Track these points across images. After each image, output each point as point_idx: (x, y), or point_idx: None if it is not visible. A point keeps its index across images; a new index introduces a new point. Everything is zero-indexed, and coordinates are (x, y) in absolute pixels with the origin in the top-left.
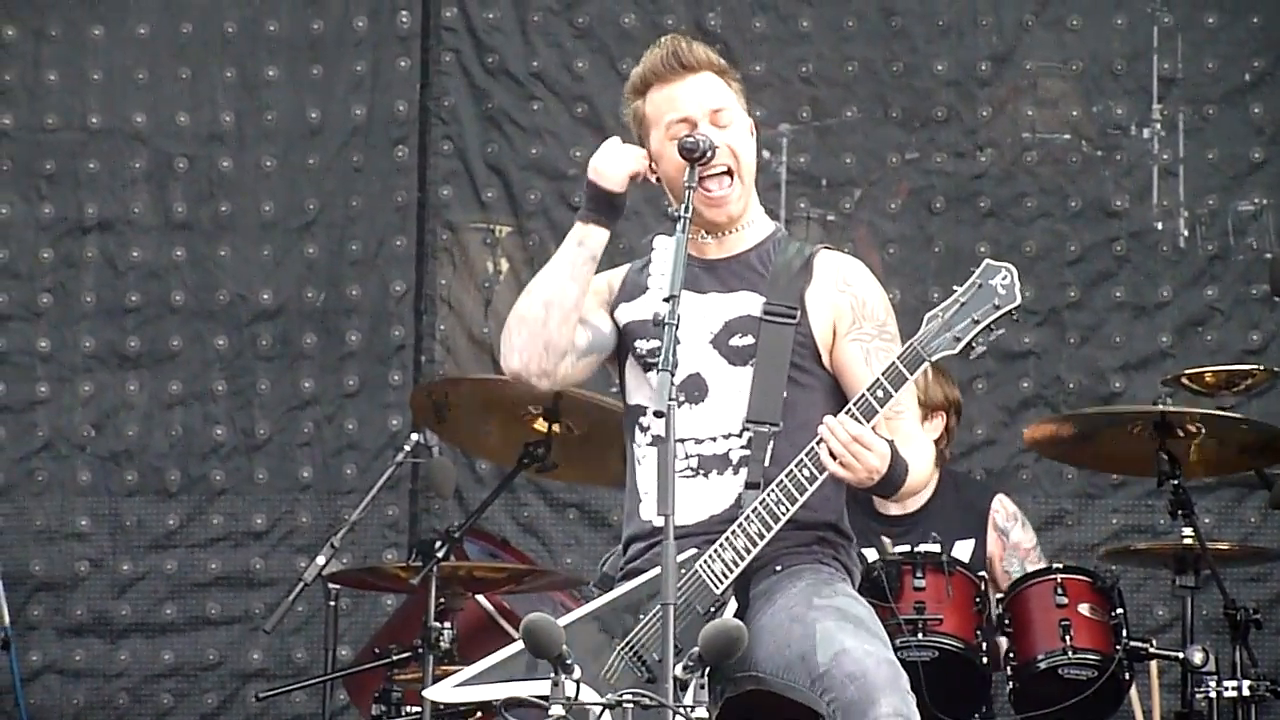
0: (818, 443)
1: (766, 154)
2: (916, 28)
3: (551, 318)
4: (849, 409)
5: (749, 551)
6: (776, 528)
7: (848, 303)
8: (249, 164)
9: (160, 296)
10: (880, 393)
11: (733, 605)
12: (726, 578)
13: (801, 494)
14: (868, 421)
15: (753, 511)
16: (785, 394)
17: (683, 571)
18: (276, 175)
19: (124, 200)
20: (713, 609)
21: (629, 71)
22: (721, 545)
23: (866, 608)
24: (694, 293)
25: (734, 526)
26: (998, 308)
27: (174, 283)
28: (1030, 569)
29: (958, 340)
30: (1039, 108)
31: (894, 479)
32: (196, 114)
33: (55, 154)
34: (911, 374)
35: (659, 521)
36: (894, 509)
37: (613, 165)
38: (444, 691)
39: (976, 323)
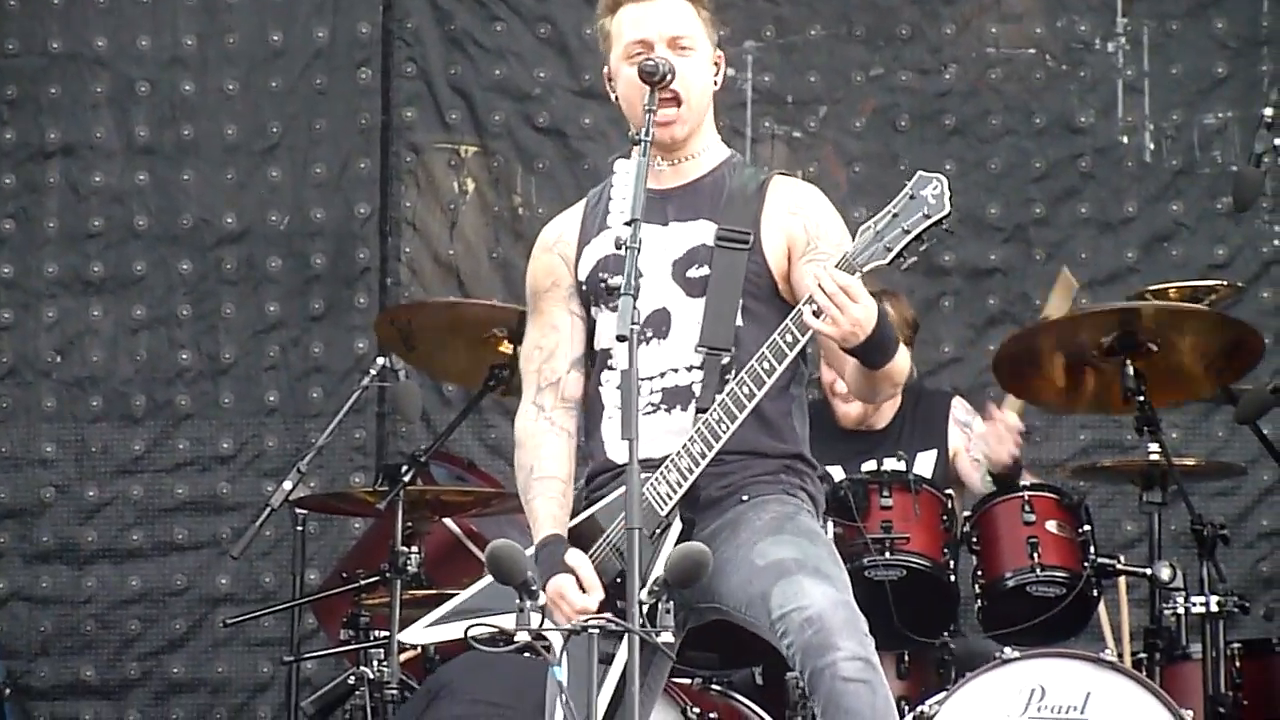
0: (804, 303)
1: (731, 71)
2: None
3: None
4: (798, 309)
5: (691, 472)
6: (717, 446)
7: (801, 225)
8: (211, 88)
9: (123, 221)
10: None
11: (677, 526)
12: (670, 499)
13: (740, 411)
14: (803, 337)
15: (695, 432)
16: (739, 321)
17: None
18: (239, 99)
19: (86, 125)
20: (657, 530)
21: None
22: (666, 467)
23: (828, 545)
24: (655, 224)
25: (678, 448)
26: (928, 217)
27: (137, 207)
28: None
29: (889, 250)
30: (1003, 24)
31: (884, 339)
32: (158, 38)
33: (16, 79)
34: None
35: (621, 458)
36: (859, 425)
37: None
38: (417, 633)
39: (907, 232)
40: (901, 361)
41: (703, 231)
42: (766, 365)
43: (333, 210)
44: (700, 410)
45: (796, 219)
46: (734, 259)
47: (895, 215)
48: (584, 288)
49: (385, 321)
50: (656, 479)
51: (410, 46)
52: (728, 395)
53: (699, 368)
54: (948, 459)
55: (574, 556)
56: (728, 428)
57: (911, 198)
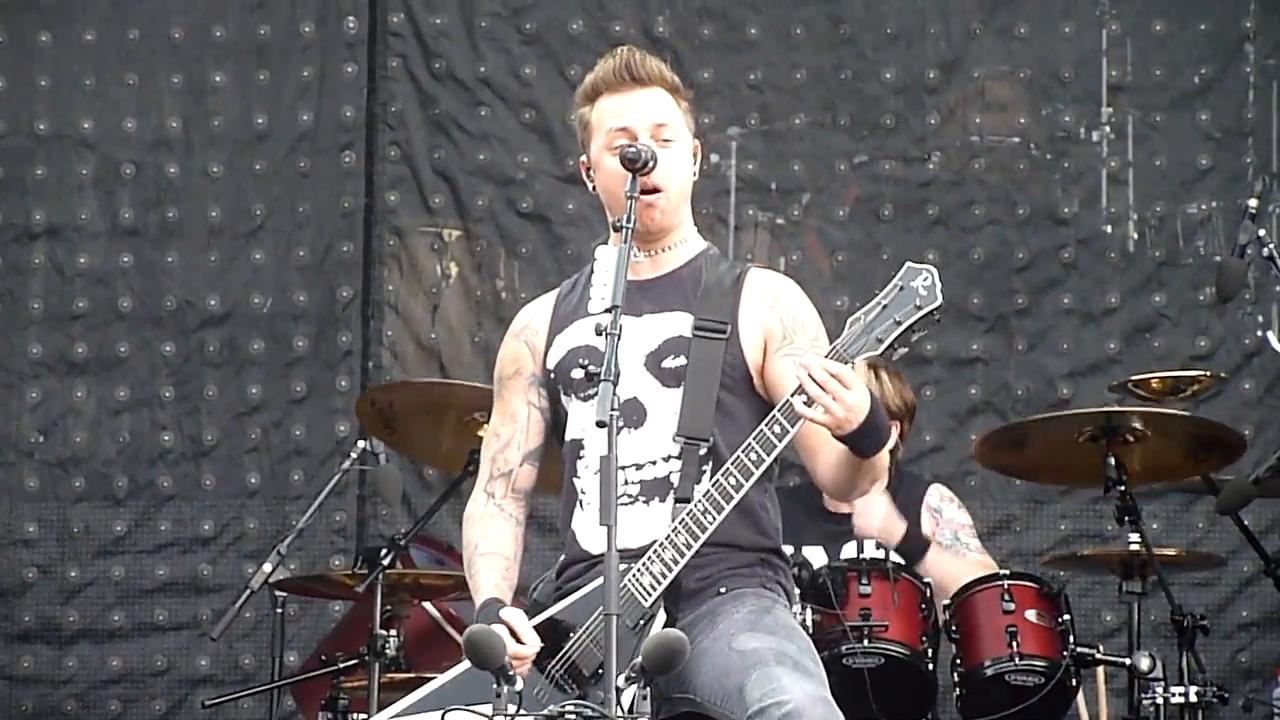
0: (794, 394)
1: (715, 158)
2: (865, 35)
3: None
4: (787, 400)
5: (676, 563)
6: (703, 537)
7: (778, 318)
8: (196, 170)
9: (107, 302)
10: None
11: (661, 618)
12: (654, 590)
13: (728, 502)
14: (793, 428)
15: (679, 523)
16: (717, 411)
17: None
18: (223, 181)
19: (71, 206)
20: (641, 621)
21: (576, 77)
22: (650, 558)
23: (805, 640)
24: (629, 315)
25: (661, 538)
26: (919, 308)
27: (121, 289)
28: (964, 539)
29: (880, 341)
30: (987, 114)
31: (877, 424)
32: (143, 120)
33: (3, 160)
34: None
35: (596, 549)
36: (843, 507)
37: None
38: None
39: (898, 324)
40: (884, 452)
41: (679, 322)
42: (754, 456)
43: (315, 293)
44: (680, 500)
45: (774, 312)
46: (711, 349)
47: (885, 306)
48: (553, 377)
49: (366, 402)
50: (639, 570)
51: (394, 130)
52: (713, 486)
53: (677, 458)
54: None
55: (509, 612)
56: (714, 519)
57: (901, 289)
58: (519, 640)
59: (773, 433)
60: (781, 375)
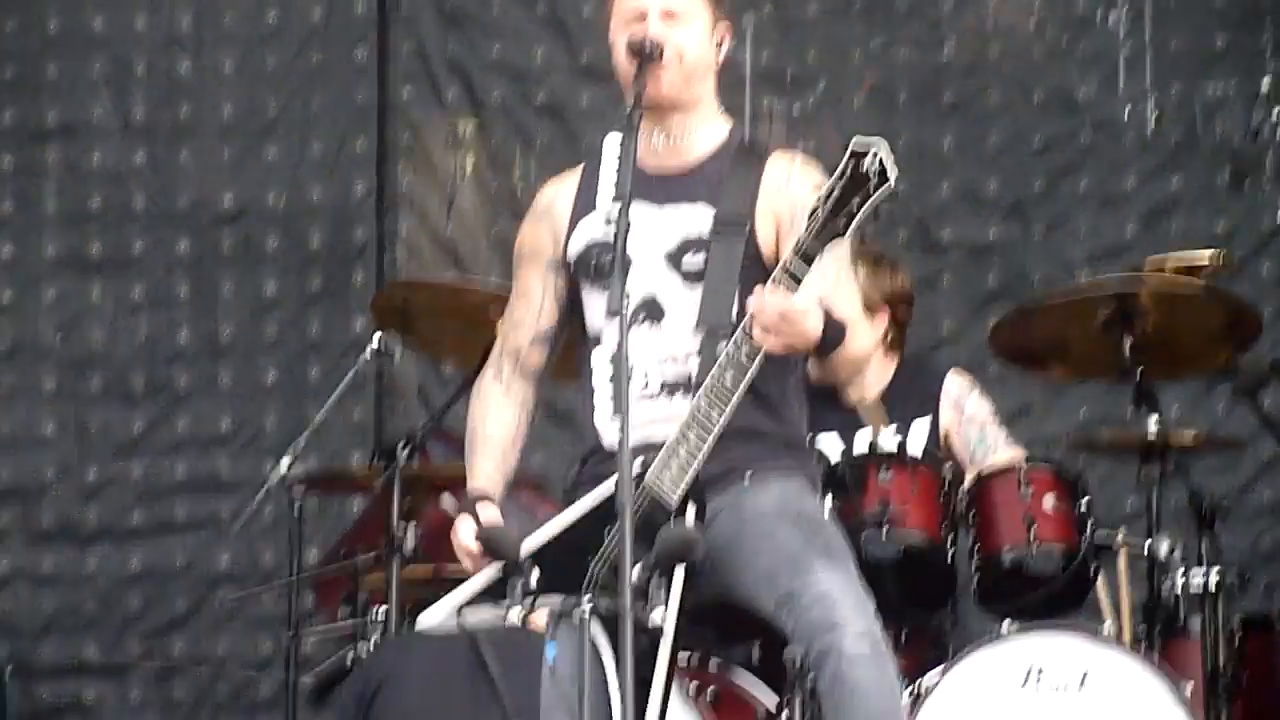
0: (748, 319)
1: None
2: None
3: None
4: (773, 280)
5: (693, 458)
6: (716, 430)
7: (786, 203)
8: (208, 67)
9: (121, 202)
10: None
11: (691, 512)
12: (677, 487)
13: (729, 398)
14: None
15: (690, 417)
16: (735, 303)
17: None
18: (235, 78)
19: (84, 105)
20: (670, 519)
21: None
22: (667, 454)
23: (833, 528)
24: (649, 204)
25: (675, 434)
26: (873, 189)
27: (135, 187)
28: (989, 437)
29: (843, 228)
30: None
31: (831, 340)
32: (154, 18)
33: (14, 60)
34: (809, 265)
35: (610, 440)
36: (853, 395)
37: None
38: (435, 616)
39: (856, 209)
40: (857, 345)
41: (700, 216)
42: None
43: (330, 189)
44: (696, 387)
45: (783, 197)
46: (732, 244)
47: (839, 192)
48: (572, 266)
49: (383, 299)
50: (659, 466)
51: (406, 24)
52: (713, 380)
53: (698, 354)
54: (939, 430)
55: (483, 507)
56: (720, 414)
57: (852, 169)
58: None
59: (742, 354)
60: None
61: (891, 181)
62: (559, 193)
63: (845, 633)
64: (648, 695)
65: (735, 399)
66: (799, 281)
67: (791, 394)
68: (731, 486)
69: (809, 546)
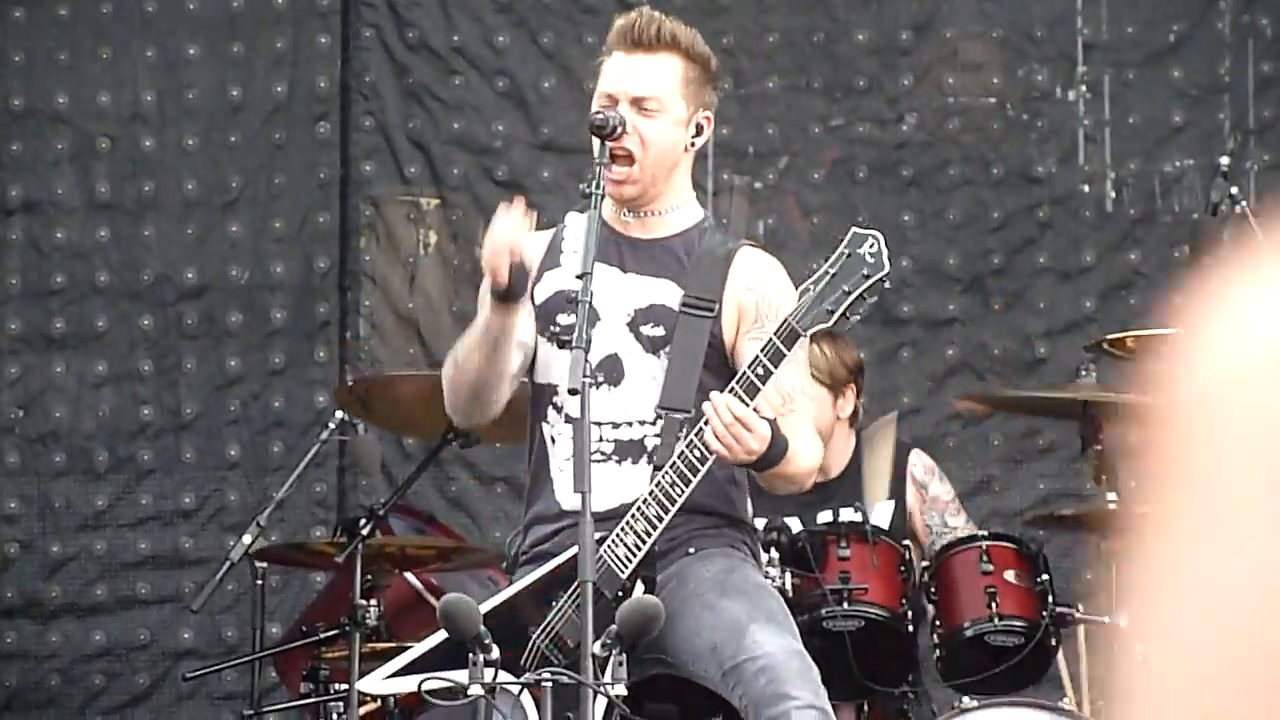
0: (704, 423)
1: None
2: None
3: (483, 391)
4: (731, 387)
5: (649, 535)
6: (674, 510)
7: (753, 301)
8: (171, 143)
9: (85, 277)
10: (760, 370)
11: (639, 589)
12: (630, 562)
13: (694, 474)
14: (750, 400)
15: (649, 495)
16: (698, 383)
17: None
18: (199, 154)
19: (47, 181)
20: (619, 594)
21: (549, 45)
22: (623, 529)
23: (777, 598)
24: (615, 269)
25: (633, 509)
26: (867, 277)
27: (98, 263)
28: (950, 521)
29: (830, 313)
30: (961, 74)
31: (771, 458)
32: (118, 94)
33: None
34: (788, 349)
35: (567, 503)
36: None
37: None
38: (375, 682)
39: (848, 294)
40: (805, 464)
41: (664, 291)
42: (688, 461)
43: (292, 265)
44: (658, 468)
45: (751, 295)
46: (698, 325)
47: (833, 276)
48: (535, 314)
49: (344, 393)
50: (614, 541)
51: (369, 100)
52: (679, 459)
53: (650, 423)
54: (905, 511)
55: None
56: (682, 491)
57: (848, 256)
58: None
59: (694, 456)
60: (743, 356)
61: (886, 271)
62: (532, 241)
63: (792, 705)
64: None
65: (689, 489)
66: (759, 389)
67: (739, 478)
68: (676, 559)
69: (753, 617)
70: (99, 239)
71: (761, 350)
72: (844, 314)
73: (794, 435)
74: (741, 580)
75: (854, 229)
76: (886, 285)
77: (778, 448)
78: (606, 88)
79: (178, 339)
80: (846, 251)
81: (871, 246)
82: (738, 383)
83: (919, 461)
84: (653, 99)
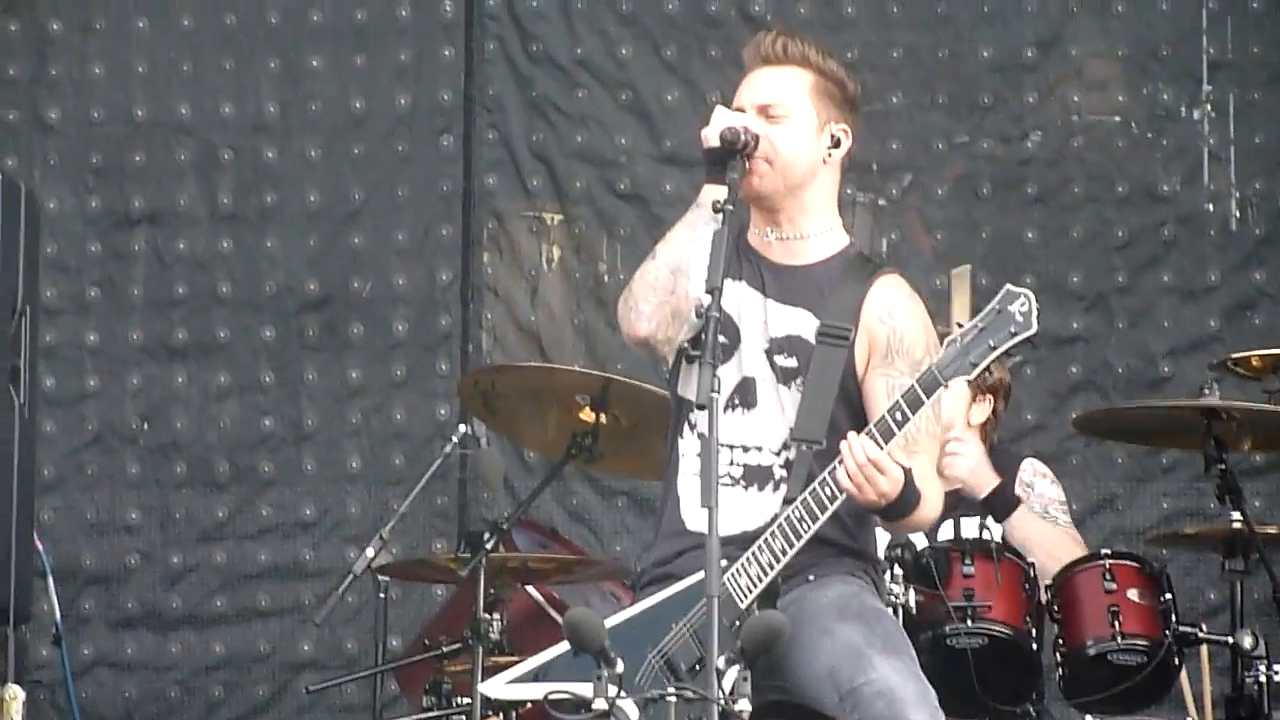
0: (838, 462)
1: None
2: (961, 14)
3: (679, 284)
4: (868, 430)
5: (773, 567)
6: (799, 544)
7: (885, 335)
8: (294, 154)
9: (207, 288)
10: (899, 415)
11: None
12: (752, 591)
13: (823, 511)
14: (885, 443)
15: (777, 527)
16: (831, 414)
17: None
18: (321, 165)
19: (170, 192)
20: (738, 622)
21: (672, 57)
22: (748, 559)
23: (895, 623)
24: (757, 292)
25: (760, 541)
26: (1014, 334)
27: (220, 274)
28: (1052, 511)
29: (974, 365)
30: (1086, 92)
31: (901, 507)
32: (241, 105)
33: (102, 147)
34: (928, 398)
35: (695, 525)
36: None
37: (710, 126)
38: (498, 687)
39: (993, 348)
40: (928, 512)
41: (801, 322)
42: (826, 492)
43: (414, 276)
44: (788, 500)
45: (883, 327)
46: (834, 355)
47: (982, 330)
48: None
49: (469, 383)
50: (738, 570)
51: (491, 113)
52: (810, 495)
53: (781, 452)
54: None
55: None
56: (809, 527)
57: (999, 312)
58: None
59: (824, 493)
60: (872, 393)
61: (1034, 331)
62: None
63: None
64: None
65: (816, 525)
66: (895, 433)
67: (866, 513)
68: (795, 585)
69: (870, 643)
70: (221, 250)
71: (902, 396)
72: (986, 368)
73: (920, 482)
74: (859, 606)
75: (1008, 286)
76: (1033, 346)
77: (909, 498)
78: (736, 100)
79: (299, 350)
80: (998, 308)
81: (1022, 305)
82: (875, 425)
83: (1030, 465)
84: (778, 104)
